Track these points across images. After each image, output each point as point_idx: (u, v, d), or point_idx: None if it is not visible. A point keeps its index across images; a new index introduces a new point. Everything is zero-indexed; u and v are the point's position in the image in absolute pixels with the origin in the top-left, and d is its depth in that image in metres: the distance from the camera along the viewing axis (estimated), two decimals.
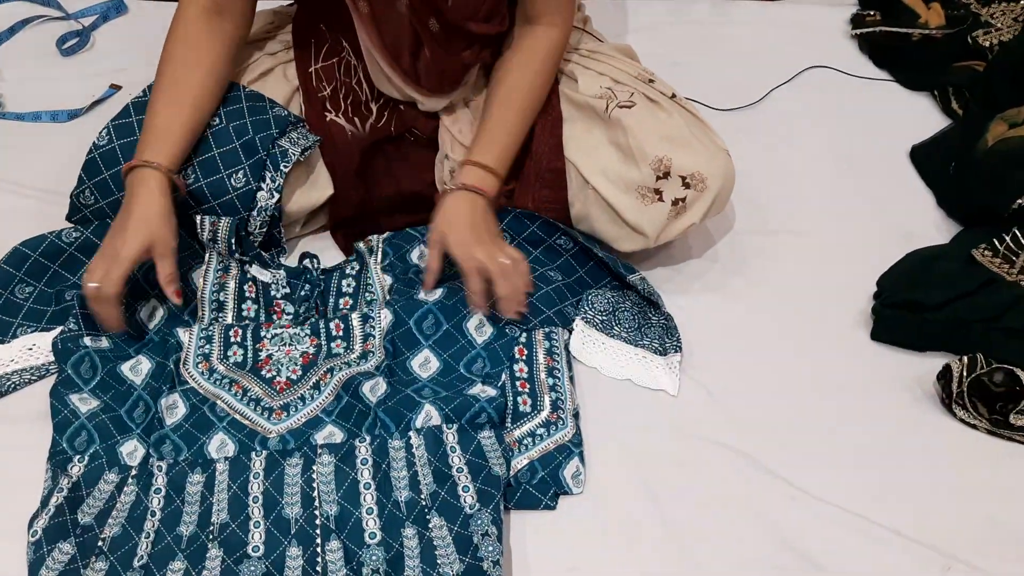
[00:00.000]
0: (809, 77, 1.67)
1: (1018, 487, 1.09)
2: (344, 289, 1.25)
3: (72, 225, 1.25)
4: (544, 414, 1.11)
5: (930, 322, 1.21)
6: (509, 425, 1.10)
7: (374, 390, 1.10)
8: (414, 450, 1.05)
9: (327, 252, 1.32)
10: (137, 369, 1.14)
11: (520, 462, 1.07)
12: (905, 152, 1.53)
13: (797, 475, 1.09)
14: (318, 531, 1.00)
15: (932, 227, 1.40)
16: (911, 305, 1.21)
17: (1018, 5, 1.72)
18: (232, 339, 1.17)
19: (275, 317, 1.22)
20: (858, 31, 1.73)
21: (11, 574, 0.98)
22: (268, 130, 1.23)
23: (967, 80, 1.59)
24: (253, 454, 1.07)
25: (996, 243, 1.28)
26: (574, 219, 1.26)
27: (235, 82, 1.27)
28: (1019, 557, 1.02)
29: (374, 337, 1.17)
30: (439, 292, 1.19)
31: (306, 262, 1.26)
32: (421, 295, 1.19)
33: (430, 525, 0.99)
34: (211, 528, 1.01)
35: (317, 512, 1.01)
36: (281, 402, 1.12)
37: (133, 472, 1.05)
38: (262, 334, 1.18)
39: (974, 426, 1.14)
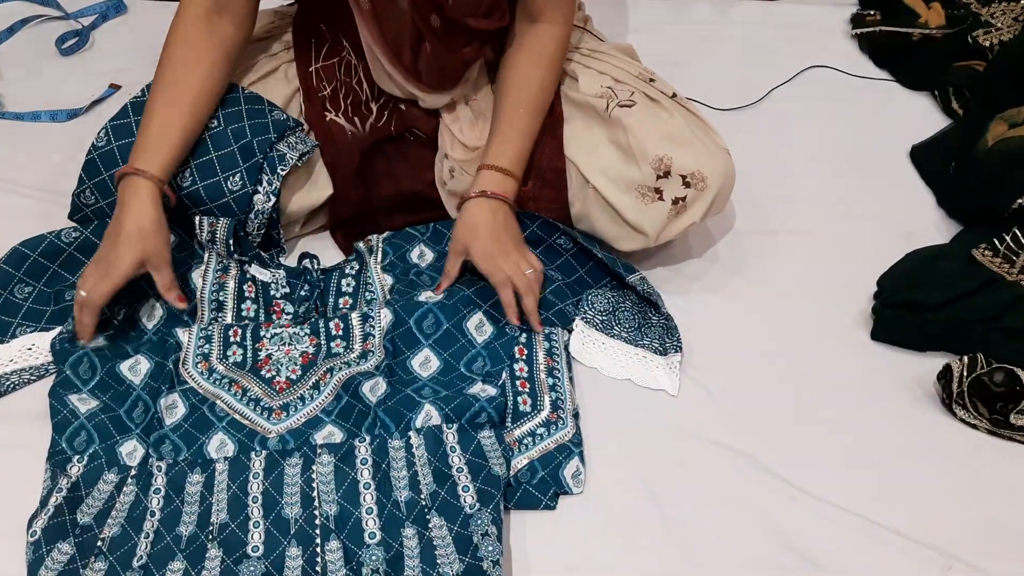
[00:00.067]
0: (809, 77, 1.67)
1: (1018, 487, 1.09)
2: (344, 289, 1.25)
3: (71, 225, 1.25)
4: (544, 414, 1.11)
5: (930, 322, 1.21)
6: (509, 425, 1.10)
7: (374, 390, 1.10)
8: (414, 450, 1.05)
9: (327, 252, 1.32)
10: (136, 369, 1.14)
11: (520, 462, 1.07)
12: (905, 152, 1.53)
13: (797, 475, 1.09)
14: (318, 531, 1.00)
15: (932, 227, 1.40)
16: (911, 305, 1.21)
17: (1018, 5, 1.72)
18: (231, 339, 1.17)
19: (275, 317, 1.22)
20: (858, 31, 1.73)
21: (10, 574, 0.98)
22: (266, 134, 1.23)
23: (967, 80, 1.59)
24: (253, 454, 1.07)
25: (996, 243, 1.28)
26: (574, 218, 1.26)
27: (235, 83, 1.27)
28: (1019, 557, 1.02)
29: (374, 336, 1.17)
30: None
31: (306, 262, 1.26)
32: (422, 296, 1.19)
33: (430, 525, 0.99)
34: (211, 528, 1.01)
35: (317, 512, 1.01)
36: (281, 402, 1.12)
37: (132, 472, 1.05)
38: (261, 334, 1.18)
39: (974, 426, 1.14)
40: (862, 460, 1.11)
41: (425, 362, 1.16)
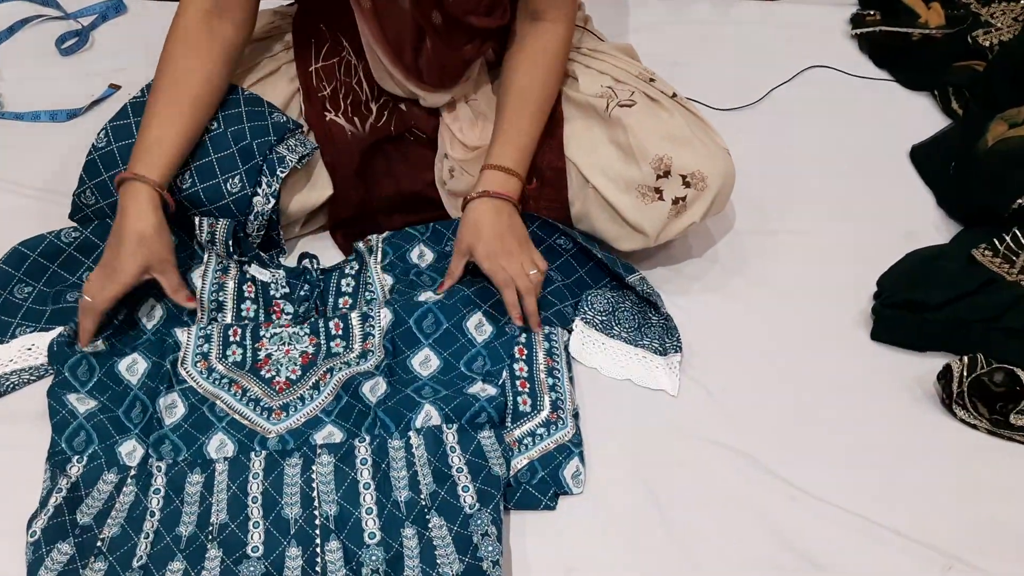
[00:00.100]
0: (809, 77, 1.67)
1: (1018, 487, 1.09)
2: (343, 289, 1.25)
3: (71, 224, 1.25)
4: (544, 414, 1.11)
5: (930, 322, 1.21)
6: (509, 425, 1.10)
7: (374, 390, 1.10)
8: (414, 450, 1.05)
9: (327, 252, 1.32)
10: (133, 369, 1.13)
11: (520, 462, 1.07)
12: (905, 152, 1.53)
13: (797, 475, 1.09)
14: (317, 531, 1.00)
15: (932, 227, 1.40)
16: (911, 305, 1.21)
17: (1018, 5, 1.72)
18: (231, 339, 1.17)
19: (274, 317, 1.22)
20: (858, 31, 1.73)
21: (10, 574, 0.98)
22: (266, 136, 1.22)
23: (967, 80, 1.59)
24: (252, 454, 1.07)
25: (996, 243, 1.28)
26: (574, 218, 1.26)
27: (235, 85, 1.26)
28: (1019, 557, 1.02)
29: (373, 336, 1.17)
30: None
31: (305, 262, 1.26)
32: (422, 296, 1.19)
33: (430, 525, 0.99)
34: (210, 528, 1.01)
35: (316, 512, 1.01)
36: (280, 402, 1.12)
37: (132, 472, 1.05)
38: (261, 334, 1.18)
39: (974, 426, 1.14)
40: (862, 460, 1.11)
41: (425, 361, 1.16)
